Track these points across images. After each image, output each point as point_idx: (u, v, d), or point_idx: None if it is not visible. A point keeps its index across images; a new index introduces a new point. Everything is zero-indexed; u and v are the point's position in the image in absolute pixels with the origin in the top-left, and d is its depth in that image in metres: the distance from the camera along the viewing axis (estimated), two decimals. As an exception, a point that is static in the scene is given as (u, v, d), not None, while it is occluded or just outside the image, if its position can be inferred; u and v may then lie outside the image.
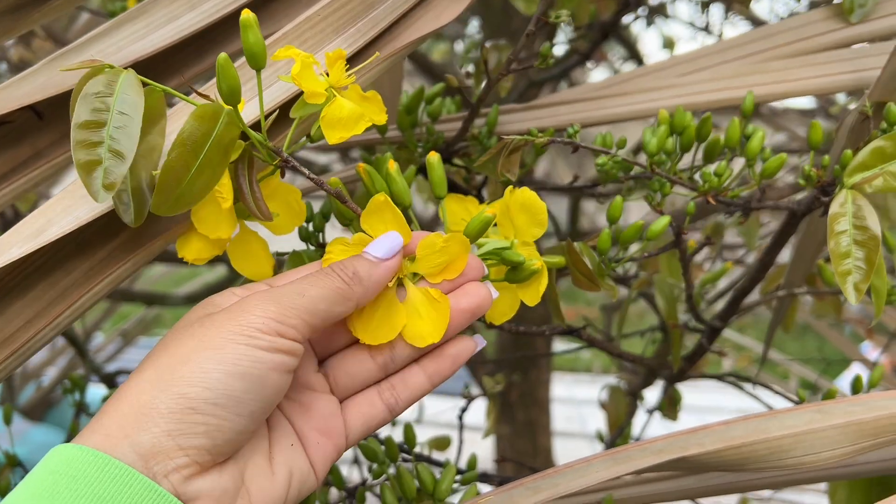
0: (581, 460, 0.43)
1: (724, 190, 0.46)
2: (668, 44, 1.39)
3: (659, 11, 1.32)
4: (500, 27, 1.44)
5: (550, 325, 0.51)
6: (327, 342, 0.40)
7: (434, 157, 0.41)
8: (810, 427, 0.44)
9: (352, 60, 0.42)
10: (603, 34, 0.97)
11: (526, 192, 0.40)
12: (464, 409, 0.77)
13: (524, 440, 1.77)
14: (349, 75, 0.38)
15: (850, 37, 0.58)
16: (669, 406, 0.85)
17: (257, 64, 0.35)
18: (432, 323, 0.38)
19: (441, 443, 0.81)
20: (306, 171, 0.37)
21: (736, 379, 0.71)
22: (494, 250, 0.40)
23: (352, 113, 0.36)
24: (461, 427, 0.76)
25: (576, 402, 2.88)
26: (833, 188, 0.44)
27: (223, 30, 0.47)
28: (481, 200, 0.61)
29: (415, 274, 0.39)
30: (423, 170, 0.58)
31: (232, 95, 0.34)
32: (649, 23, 1.34)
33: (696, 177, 0.49)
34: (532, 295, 0.40)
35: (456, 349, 0.39)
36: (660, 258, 1.10)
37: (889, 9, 0.59)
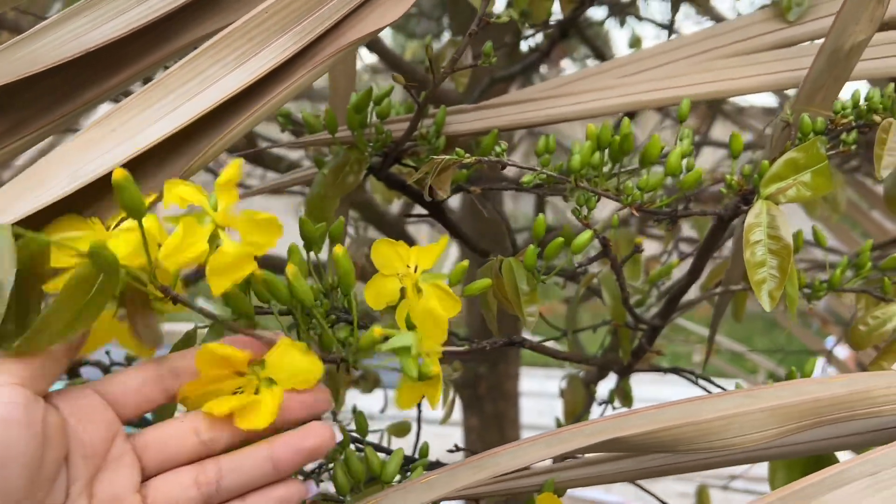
0: (523, 440, 0.45)
1: (647, 203, 0.48)
2: (635, 42, 1.40)
3: (629, 11, 1.32)
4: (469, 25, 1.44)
5: (491, 338, 0.53)
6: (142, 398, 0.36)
7: (339, 251, 0.41)
8: (739, 410, 0.46)
9: (297, 58, 0.44)
10: (562, 32, 0.98)
11: (430, 302, 0.40)
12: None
13: (492, 432, 1.80)
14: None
15: (791, 37, 0.60)
16: (622, 398, 0.88)
17: (139, 217, 0.34)
18: (265, 407, 0.37)
19: (400, 429, 0.83)
20: (196, 306, 0.37)
21: (684, 372, 0.74)
22: (396, 349, 0.39)
23: (236, 257, 0.35)
24: (419, 416, 0.79)
25: (548, 397, 2.92)
26: (753, 196, 0.46)
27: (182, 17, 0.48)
28: (433, 204, 0.63)
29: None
30: (372, 170, 0.59)
31: (134, 213, 0.33)
32: (622, 22, 1.34)
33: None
34: (430, 396, 0.41)
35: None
36: (619, 253, 1.12)
37: (828, 9, 0.60)
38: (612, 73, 0.60)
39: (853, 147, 0.49)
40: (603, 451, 0.47)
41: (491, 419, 2.17)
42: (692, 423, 0.45)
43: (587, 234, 0.48)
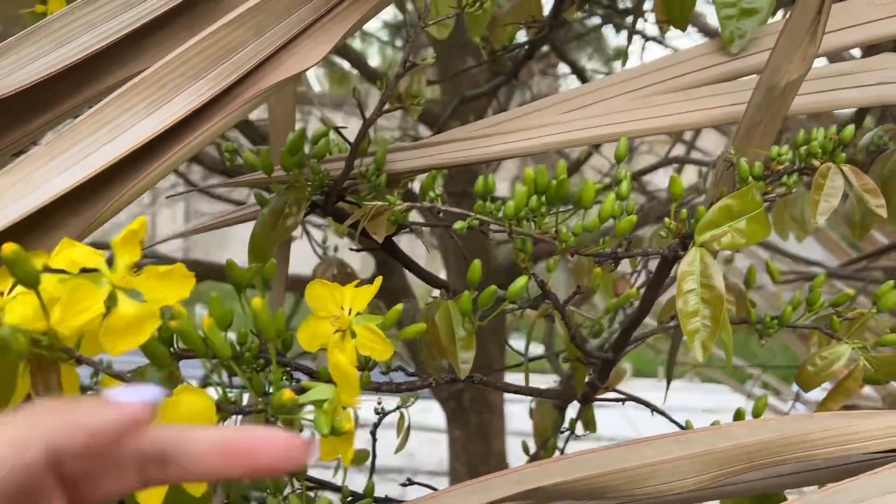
0: (443, 490, 0.44)
1: (583, 247, 0.46)
2: (621, 54, 1.40)
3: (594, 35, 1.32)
4: (453, 58, 1.43)
5: (440, 376, 0.52)
6: None
7: (257, 304, 0.40)
8: (666, 457, 0.45)
9: (214, 102, 0.43)
10: (527, 54, 0.97)
11: (339, 358, 0.39)
12: (376, 425, 0.78)
13: (477, 443, 1.79)
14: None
15: (734, 70, 0.59)
16: (585, 425, 0.87)
17: (34, 286, 0.33)
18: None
19: (358, 458, 0.82)
20: (100, 366, 0.36)
21: (643, 402, 0.73)
22: (313, 401, 0.38)
23: (135, 318, 0.34)
24: (374, 443, 0.78)
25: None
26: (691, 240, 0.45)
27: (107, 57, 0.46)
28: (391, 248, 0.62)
29: None
30: (315, 206, 0.58)
31: (29, 284, 0.32)
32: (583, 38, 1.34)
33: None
34: (343, 452, 0.40)
35: None
36: (592, 276, 1.11)
37: (770, 42, 0.60)
38: (556, 109, 0.59)
39: (794, 190, 0.48)
40: (529, 500, 0.46)
41: (475, 430, 2.15)
42: (619, 471, 0.44)
43: (522, 279, 0.47)
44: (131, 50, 0.46)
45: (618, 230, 0.46)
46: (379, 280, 0.49)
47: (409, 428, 0.81)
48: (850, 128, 0.49)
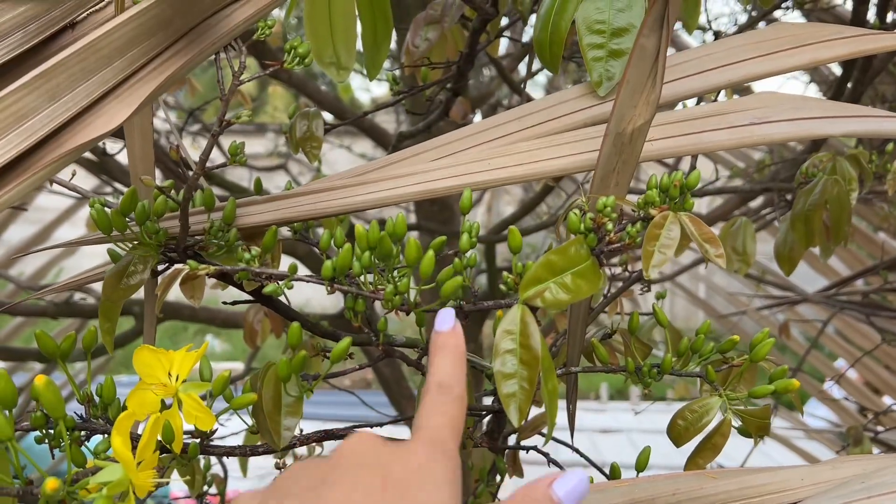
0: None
1: (413, 304, 0.45)
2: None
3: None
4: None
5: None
6: None
7: (40, 383, 0.39)
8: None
9: (8, 168, 0.41)
10: (455, 92, 0.96)
11: (115, 442, 0.37)
12: (280, 469, 0.76)
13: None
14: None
15: (603, 113, 0.58)
16: (511, 467, 0.84)
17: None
18: None
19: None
20: None
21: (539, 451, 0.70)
22: (102, 482, 0.37)
23: None
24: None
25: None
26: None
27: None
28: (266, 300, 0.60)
29: None
30: (171, 262, 0.57)
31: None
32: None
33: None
34: None
35: None
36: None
37: (641, 85, 0.58)
38: (422, 158, 0.58)
39: (638, 240, 0.46)
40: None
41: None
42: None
43: (346, 340, 0.45)
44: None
45: (443, 293, 0.44)
46: (205, 345, 0.47)
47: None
48: (697, 173, 0.47)
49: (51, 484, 0.35)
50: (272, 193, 0.55)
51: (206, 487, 0.88)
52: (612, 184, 0.51)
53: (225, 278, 0.59)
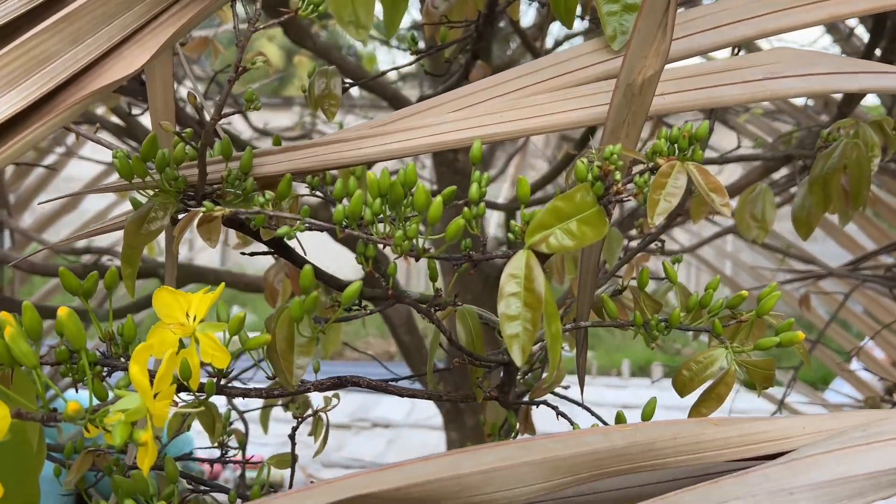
0: (264, 499, 0.44)
1: (422, 251, 0.46)
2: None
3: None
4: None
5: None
6: None
7: (63, 314, 0.41)
8: (503, 464, 0.44)
9: (32, 110, 0.43)
10: (474, 55, 0.97)
11: (133, 370, 0.39)
12: (294, 429, 0.78)
13: (472, 445, 1.79)
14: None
15: (616, 68, 0.58)
16: (524, 424, 0.86)
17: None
18: None
19: (282, 461, 0.82)
20: None
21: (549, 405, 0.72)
22: (120, 410, 0.38)
23: None
24: (293, 446, 0.78)
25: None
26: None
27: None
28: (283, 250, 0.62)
29: None
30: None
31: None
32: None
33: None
34: (141, 461, 0.40)
35: None
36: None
37: (655, 39, 0.58)
38: (436, 111, 0.59)
39: (645, 190, 0.47)
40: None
41: (471, 432, 2.14)
42: (451, 478, 0.43)
43: (356, 284, 0.46)
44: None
45: (448, 234, 0.45)
46: (222, 286, 0.49)
47: (327, 429, 0.81)
48: (706, 124, 0.47)
49: (72, 406, 0.37)
50: (287, 145, 0.56)
51: (226, 439, 0.90)
52: (623, 135, 0.51)
53: (242, 228, 0.61)
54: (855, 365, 2.37)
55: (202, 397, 0.51)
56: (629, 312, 0.69)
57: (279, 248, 0.64)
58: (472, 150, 0.50)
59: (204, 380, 0.51)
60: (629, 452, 0.46)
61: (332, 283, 0.67)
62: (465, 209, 0.49)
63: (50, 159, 2.50)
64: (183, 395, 0.51)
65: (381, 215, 0.48)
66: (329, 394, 0.87)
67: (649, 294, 0.64)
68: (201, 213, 0.46)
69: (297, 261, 0.66)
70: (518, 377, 0.81)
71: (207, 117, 0.54)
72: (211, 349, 0.47)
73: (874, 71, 0.57)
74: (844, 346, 2.54)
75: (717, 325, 0.55)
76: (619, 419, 0.57)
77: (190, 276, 1.66)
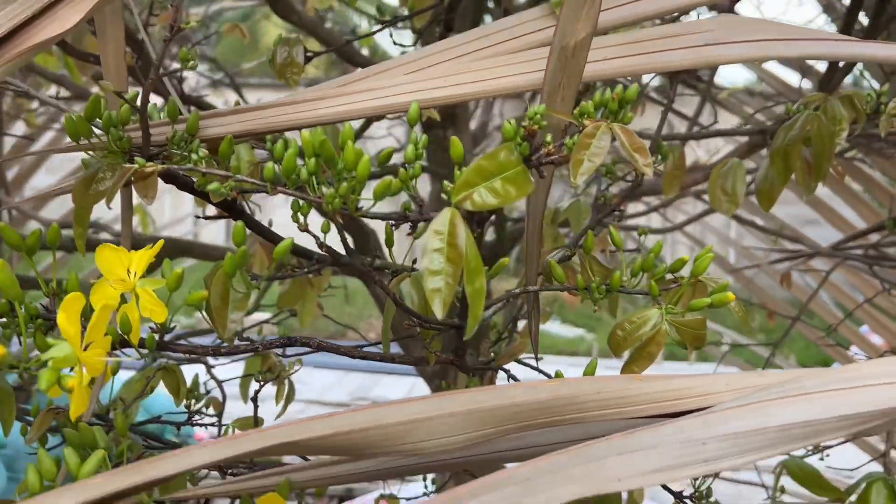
0: (197, 445, 0.45)
1: (353, 207, 0.47)
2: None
3: None
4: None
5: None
6: None
7: None
8: (427, 414, 0.45)
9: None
10: (447, 26, 0.97)
11: (61, 319, 0.40)
12: (256, 392, 0.80)
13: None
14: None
15: (562, 34, 0.59)
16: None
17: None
18: None
19: (245, 424, 0.84)
20: None
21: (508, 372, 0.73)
22: (49, 358, 0.40)
23: None
24: (255, 409, 0.80)
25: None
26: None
27: None
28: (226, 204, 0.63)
29: None
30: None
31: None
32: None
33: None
34: (73, 406, 0.41)
35: None
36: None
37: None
38: (390, 74, 0.59)
39: (567, 152, 0.47)
40: (281, 455, 0.46)
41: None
42: (375, 428, 0.44)
43: (287, 241, 0.48)
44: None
45: (375, 193, 0.46)
46: (161, 242, 0.50)
47: (289, 395, 0.82)
48: (635, 87, 0.48)
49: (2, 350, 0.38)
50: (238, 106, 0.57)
51: (200, 406, 0.92)
52: (559, 99, 0.52)
53: (193, 191, 0.62)
54: (854, 351, 2.38)
55: (146, 353, 0.52)
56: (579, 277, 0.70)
57: (231, 210, 0.65)
58: (410, 113, 0.51)
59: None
60: (554, 405, 0.47)
61: (306, 256, 0.69)
62: (402, 169, 0.50)
63: (47, 136, 2.51)
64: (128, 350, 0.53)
65: (317, 174, 0.49)
66: (293, 359, 0.89)
67: (598, 261, 0.65)
68: (133, 170, 0.47)
69: (252, 225, 0.67)
70: (490, 348, 0.83)
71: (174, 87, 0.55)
72: (150, 304, 0.48)
73: (817, 38, 0.57)
74: (850, 339, 2.53)
75: (653, 287, 0.56)
76: (558, 377, 0.58)
77: (177, 249, 1.67)
